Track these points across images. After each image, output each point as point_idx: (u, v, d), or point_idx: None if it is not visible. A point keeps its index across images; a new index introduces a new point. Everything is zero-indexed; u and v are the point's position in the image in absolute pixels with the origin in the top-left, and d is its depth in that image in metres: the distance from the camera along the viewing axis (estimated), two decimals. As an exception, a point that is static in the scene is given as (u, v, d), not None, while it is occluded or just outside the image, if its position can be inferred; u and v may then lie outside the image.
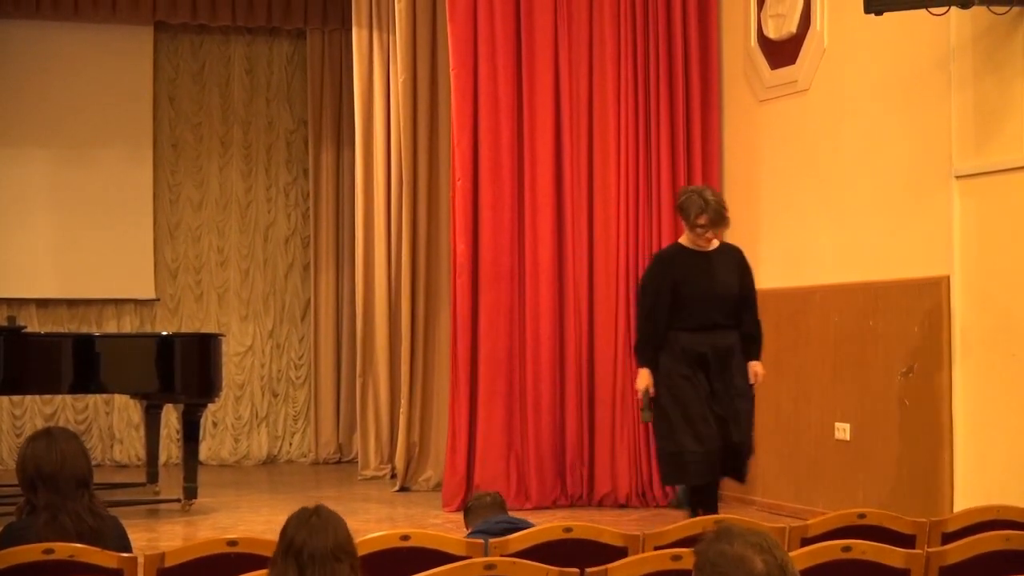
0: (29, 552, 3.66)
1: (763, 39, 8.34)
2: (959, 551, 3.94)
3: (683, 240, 6.69)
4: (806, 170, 8.02)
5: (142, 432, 9.80)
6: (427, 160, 9.37)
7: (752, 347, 6.62)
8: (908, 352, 7.13)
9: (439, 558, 3.76)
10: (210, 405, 8.60)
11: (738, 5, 8.56)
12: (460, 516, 5.40)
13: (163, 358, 8.03)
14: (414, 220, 9.40)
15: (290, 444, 11.39)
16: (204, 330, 10.64)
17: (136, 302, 11.03)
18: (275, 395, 11.39)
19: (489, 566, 3.51)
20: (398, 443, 9.38)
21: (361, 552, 3.23)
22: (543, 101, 8.46)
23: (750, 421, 6.55)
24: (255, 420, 11.29)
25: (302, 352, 11.45)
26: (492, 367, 8.34)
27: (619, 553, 4.00)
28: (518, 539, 4.02)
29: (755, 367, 6.59)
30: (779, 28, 8.18)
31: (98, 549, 3.75)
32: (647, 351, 6.59)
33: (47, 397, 10.60)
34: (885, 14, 6.60)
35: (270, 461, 11.25)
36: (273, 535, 3.22)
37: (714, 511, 6.34)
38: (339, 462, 11.07)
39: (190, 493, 8.07)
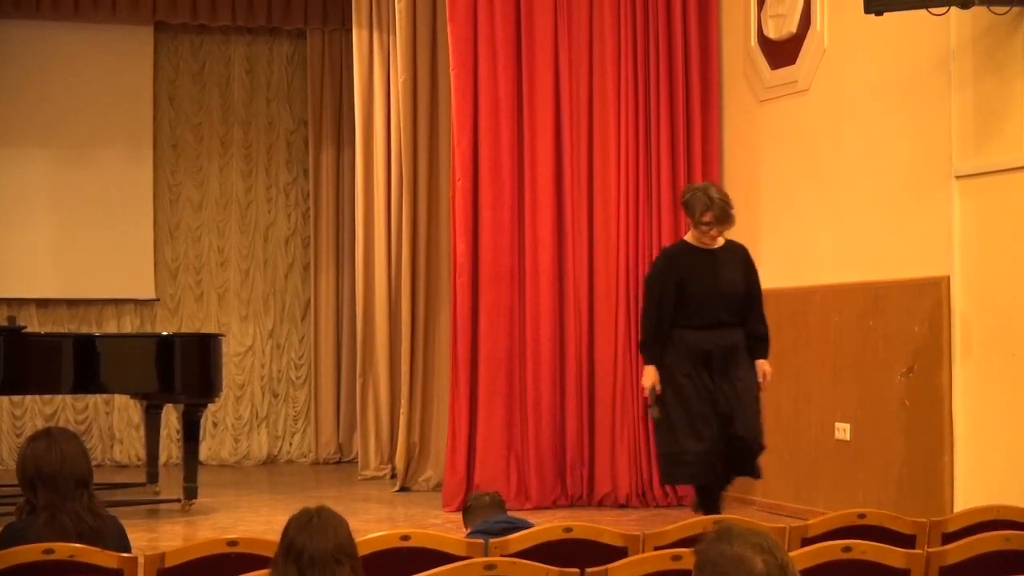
0: (29, 552, 3.66)
1: (763, 39, 8.34)
2: (959, 551, 3.94)
3: (688, 238, 6.65)
4: (806, 170, 8.02)
5: (142, 432, 9.80)
6: (427, 160, 9.37)
7: (760, 346, 6.58)
8: (908, 352, 7.13)
9: (439, 558, 3.76)
10: (210, 405, 8.60)
11: (738, 5, 8.56)
12: (460, 516, 5.39)
13: (163, 358, 8.03)
14: (414, 220, 9.40)
15: (290, 444, 11.39)
16: (204, 330, 10.65)
17: (136, 302, 11.03)
18: (275, 395, 11.40)
19: (489, 566, 3.51)
20: (398, 443, 9.39)
21: (361, 552, 3.23)
22: (543, 101, 8.46)
23: (758, 416, 6.46)
24: (255, 420, 11.30)
25: (302, 352, 11.45)
26: (492, 367, 8.34)
27: (619, 553, 4.00)
28: (518, 539, 4.02)
29: (763, 366, 6.54)
30: (779, 28, 8.18)
31: (98, 549, 3.75)
32: (652, 348, 6.53)
33: (47, 397, 10.60)
34: (885, 14, 6.60)
35: (270, 461, 11.25)
36: (273, 535, 3.22)
37: (716, 512, 6.32)
38: (339, 462, 11.07)
39: (190, 493, 8.07)
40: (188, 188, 11.26)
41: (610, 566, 3.58)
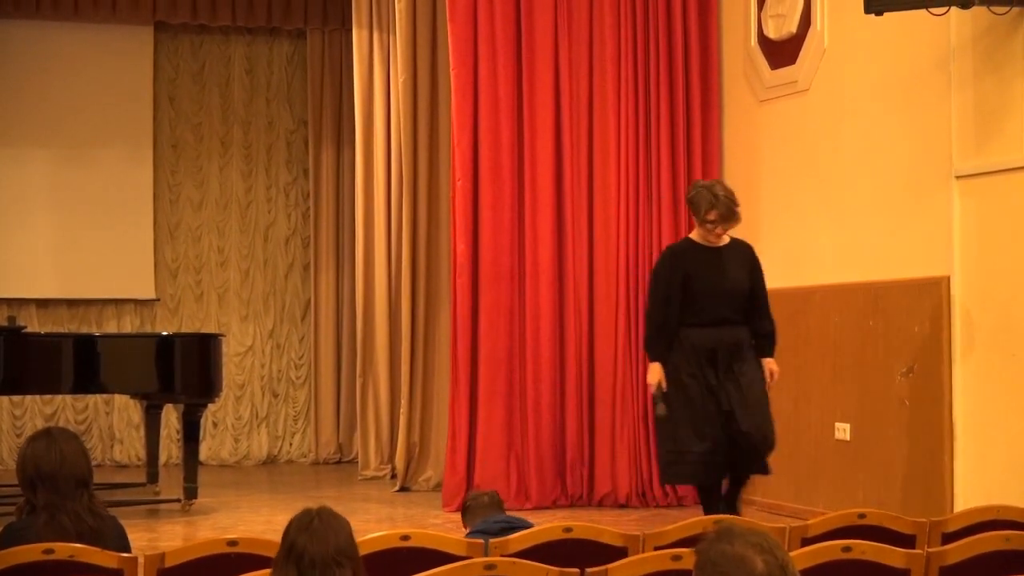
0: (29, 552, 3.66)
1: (763, 39, 8.34)
2: (959, 551, 3.94)
3: (694, 235, 6.62)
4: (806, 170, 8.02)
5: (142, 432, 9.80)
6: (427, 160, 9.37)
7: (766, 344, 6.54)
8: (908, 352, 7.13)
9: (439, 558, 3.76)
10: (210, 405, 8.60)
11: (738, 5, 8.57)
12: (460, 516, 5.39)
13: (163, 358, 8.02)
14: (414, 220, 9.40)
15: (290, 444, 11.39)
16: (204, 330, 10.65)
17: (136, 302, 11.03)
18: (275, 395, 11.40)
19: (489, 566, 3.51)
20: (398, 443, 9.38)
21: (361, 552, 3.23)
22: (543, 101, 8.46)
23: (765, 413, 6.39)
24: (255, 420, 11.30)
25: (302, 352, 11.45)
26: (492, 367, 8.34)
27: (619, 553, 4.00)
28: (518, 539, 4.02)
29: (770, 365, 6.50)
30: (779, 28, 8.18)
31: (98, 549, 3.75)
32: (658, 345, 6.50)
33: (47, 397, 10.60)
34: (885, 14, 6.59)
35: (270, 461, 11.25)
36: (273, 535, 3.22)
37: (715, 512, 6.30)
38: (339, 462, 11.07)
39: (190, 493, 8.07)
40: (188, 188, 11.26)
41: (610, 566, 3.58)
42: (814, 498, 7.71)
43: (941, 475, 6.88)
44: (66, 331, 10.36)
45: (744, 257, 6.60)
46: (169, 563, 3.77)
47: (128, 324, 10.97)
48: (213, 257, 11.30)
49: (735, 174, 8.60)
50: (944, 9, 6.55)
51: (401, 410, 9.39)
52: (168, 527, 7.64)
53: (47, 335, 9.19)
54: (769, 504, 7.98)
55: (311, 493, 9.15)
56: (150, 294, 11.00)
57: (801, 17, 8.00)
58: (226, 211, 11.33)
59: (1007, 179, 6.59)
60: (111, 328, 10.84)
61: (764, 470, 6.51)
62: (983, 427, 6.74)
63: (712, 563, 2.50)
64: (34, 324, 10.45)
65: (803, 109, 8.04)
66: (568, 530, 4.07)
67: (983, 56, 6.72)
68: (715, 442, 6.32)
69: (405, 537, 3.89)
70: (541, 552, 3.93)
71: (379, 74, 10.05)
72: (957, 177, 6.87)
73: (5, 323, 8.43)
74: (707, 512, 6.27)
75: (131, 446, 10.86)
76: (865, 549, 3.78)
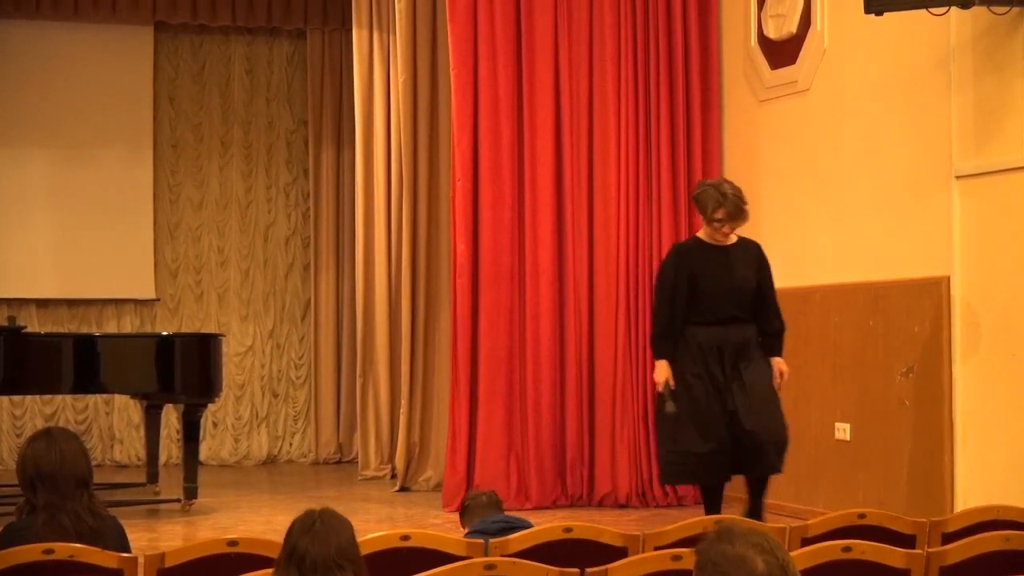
0: (29, 552, 3.66)
1: (763, 39, 8.34)
2: (959, 551, 3.94)
3: (701, 234, 6.59)
4: (806, 170, 8.02)
5: (142, 432, 9.80)
6: (427, 160, 9.37)
7: (775, 342, 6.50)
8: (908, 352, 7.13)
9: (439, 558, 3.76)
10: (210, 405, 8.60)
11: (738, 5, 8.57)
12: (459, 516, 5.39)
13: (163, 358, 8.02)
14: (414, 220, 9.40)
15: (290, 444, 11.39)
16: (204, 330, 10.65)
17: (136, 302, 11.03)
18: (275, 395, 11.40)
19: (489, 566, 3.51)
20: (398, 443, 9.38)
21: (361, 552, 3.23)
22: (543, 101, 8.46)
23: (774, 410, 6.36)
24: (255, 420, 11.30)
25: (302, 352, 11.45)
26: (492, 367, 8.33)
27: (619, 553, 4.00)
28: (518, 539, 4.02)
29: (780, 365, 6.47)
30: (779, 28, 8.18)
31: (98, 549, 3.75)
32: (664, 343, 6.46)
33: (47, 397, 10.60)
34: (885, 14, 6.59)
35: (270, 461, 11.25)
36: (273, 535, 3.23)
37: (716, 512, 6.30)
38: (339, 462, 11.07)
39: (190, 493, 8.07)
40: (188, 188, 11.26)
41: (610, 566, 3.58)
42: (814, 498, 7.71)
43: (941, 475, 6.88)
44: (66, 331, 10.36)
45: (751, 255, 6.56)
46: (169, 563, 3.77)
47: (128, 324, 10.97)
48: (213, 257, 11.30)
49: (735, 174, 8.58)
50: (944, 9, 6.55)
51: (401, 410, 9.39)
52: (168, 527, 7.64)
53: (47, 335, 9.19)
54: (769, 504, 7.95)
55: (311, 493, 9.15)
56: (150, 294, 11.00)
57: (801, 17, 8.00)
58: (226, 211, 11.33)
59: (1007, 179, 6.59)
60: (111, 328, 10.84)
61: (774, 469, 6.42)
62: (983, 427, 6.74)
63: (712, 563, 2.50)
64: (34, 324, 10.45)
65: (803, 109, 8.04)
66: (568, 530, 4.07)
67: (983, 56, 6.72)
68: (720, 442, 6.28)
69: (405, 537, 3.89)
70: (541, 552, 3.93)
71: (379, 74, 10.05)
72: (957, 177, 6.87)
73: (5, 323, 8.43)
74: (708, 512, 6.26)
75: (131, 446, 10.86)
76: (865, 549, 3.78)
